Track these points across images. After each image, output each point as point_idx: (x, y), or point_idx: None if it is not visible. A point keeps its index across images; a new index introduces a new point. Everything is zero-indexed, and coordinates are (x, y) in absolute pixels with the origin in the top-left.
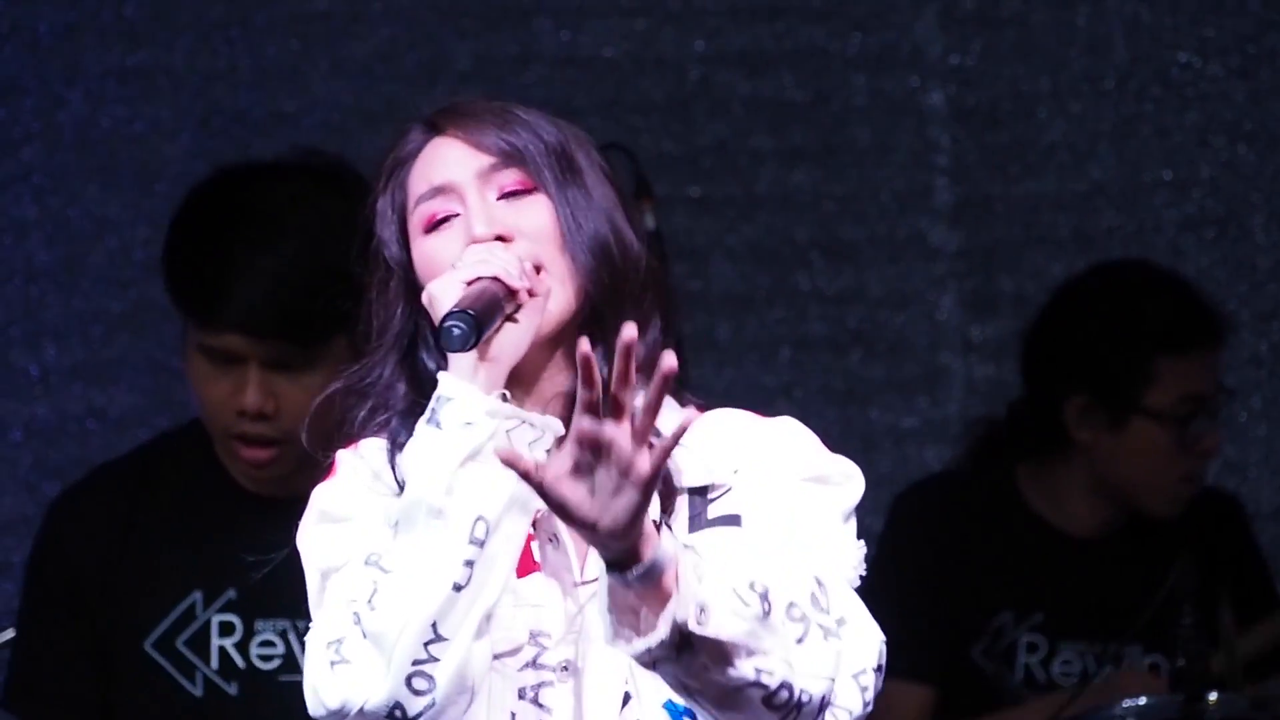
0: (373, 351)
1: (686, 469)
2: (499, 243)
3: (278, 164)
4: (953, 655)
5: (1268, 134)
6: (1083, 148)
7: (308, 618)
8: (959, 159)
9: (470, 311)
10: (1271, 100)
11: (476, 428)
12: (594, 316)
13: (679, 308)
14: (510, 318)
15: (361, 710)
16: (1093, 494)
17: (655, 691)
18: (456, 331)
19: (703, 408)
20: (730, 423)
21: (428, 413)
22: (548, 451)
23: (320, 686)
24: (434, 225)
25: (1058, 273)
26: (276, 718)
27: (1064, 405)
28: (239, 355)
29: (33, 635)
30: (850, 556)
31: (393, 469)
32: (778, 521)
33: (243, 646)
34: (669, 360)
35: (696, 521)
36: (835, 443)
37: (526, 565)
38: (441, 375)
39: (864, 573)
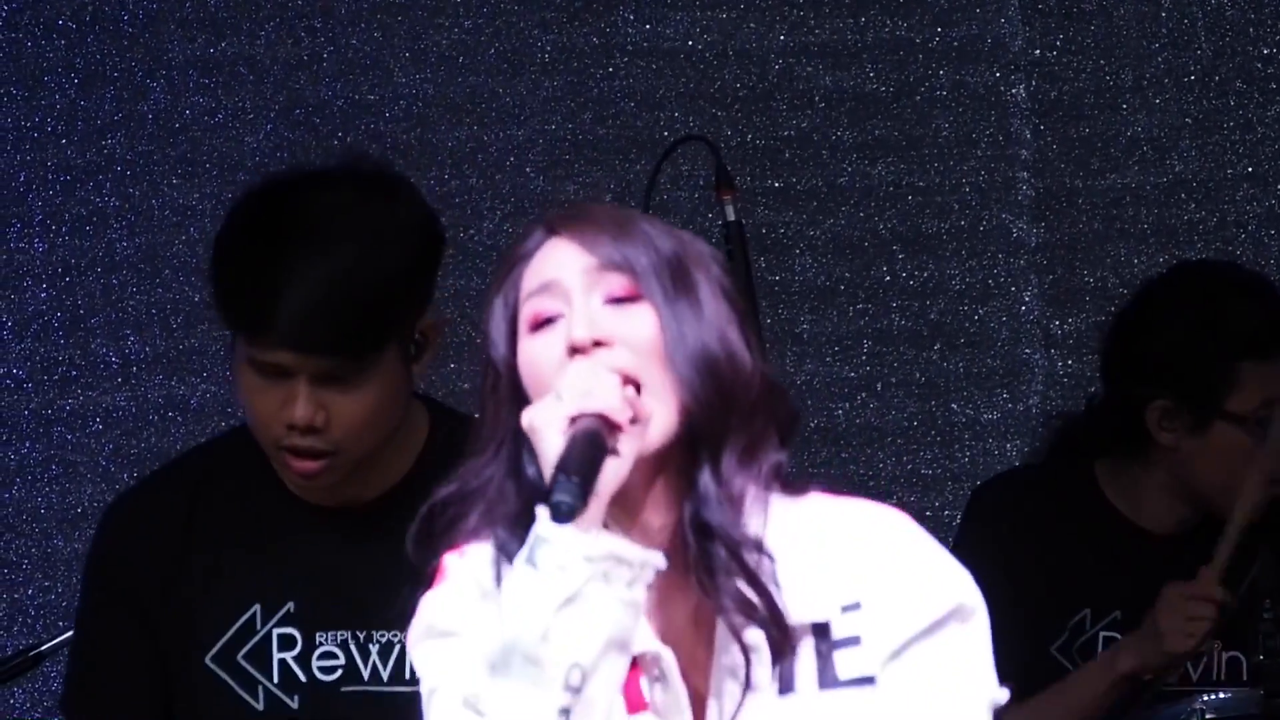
0: (480, 453)
1: (800, 598)
2: (599, 355)
3: (322, 172)
4: (1032, 652)
5: None
6: (1165, 141)
7: (369, 627)
8: (1041, 152)
9: (576, 479)
10: None
11: (573, 571)
12: (698, 435)
13: (796, 418)
14: (613, 450)
15: None
16: (1172, 496)
17: None
18: (565, 508)
19: (796, 490)
20: (839, 529)
21: (526, 549)
22: (648, 587)
23: None
24: (539, 325)
25: (1139, 267)
26: None
27: (1146, 409)
28: (288, 369)
29: (93, 642)
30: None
31: (497, 582)
32: (915, 694)
33: (303, 659)
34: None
35: (826, 675)
36: (915, 437)
37: (635, 701)
38: (540, 511)
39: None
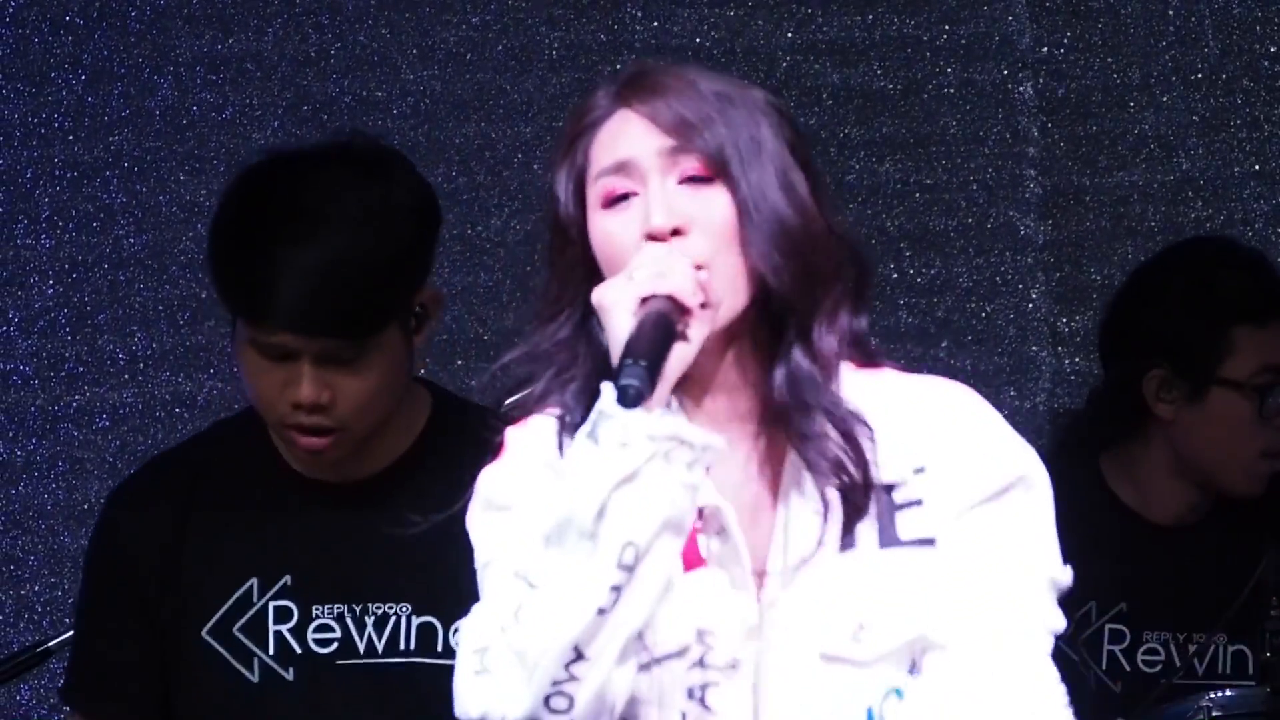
0: (548, 318)
1: (880, 458)
2: (675, 245)
3: (317, 152)
4: None
5: None
6: (1172, 139)
7: (365, 601)
8: (1048, 150)
9: (644, 363)
10: None
11: (633, 449)
12: (783, 309)
13: (870, 260)
14: (682, 335)
15: None
16: (1174, 475)
17: (849, 698)
18: (632, 392)
19: (871, 362)
20: (907, 399)
21: (589, 424)
22: (707, 470)
23: (463, 693)
24: (613, 201)
25: None
26: (334, 702)
27: (1143, 379)
28: (291, 351)
29: (93, 631)
30: (1043, 578)
31: (561, 453)
32: (974, 557)
33: (299, 632)
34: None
35: (887, 534)
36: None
37: (692, 560)
38: (605, 387)
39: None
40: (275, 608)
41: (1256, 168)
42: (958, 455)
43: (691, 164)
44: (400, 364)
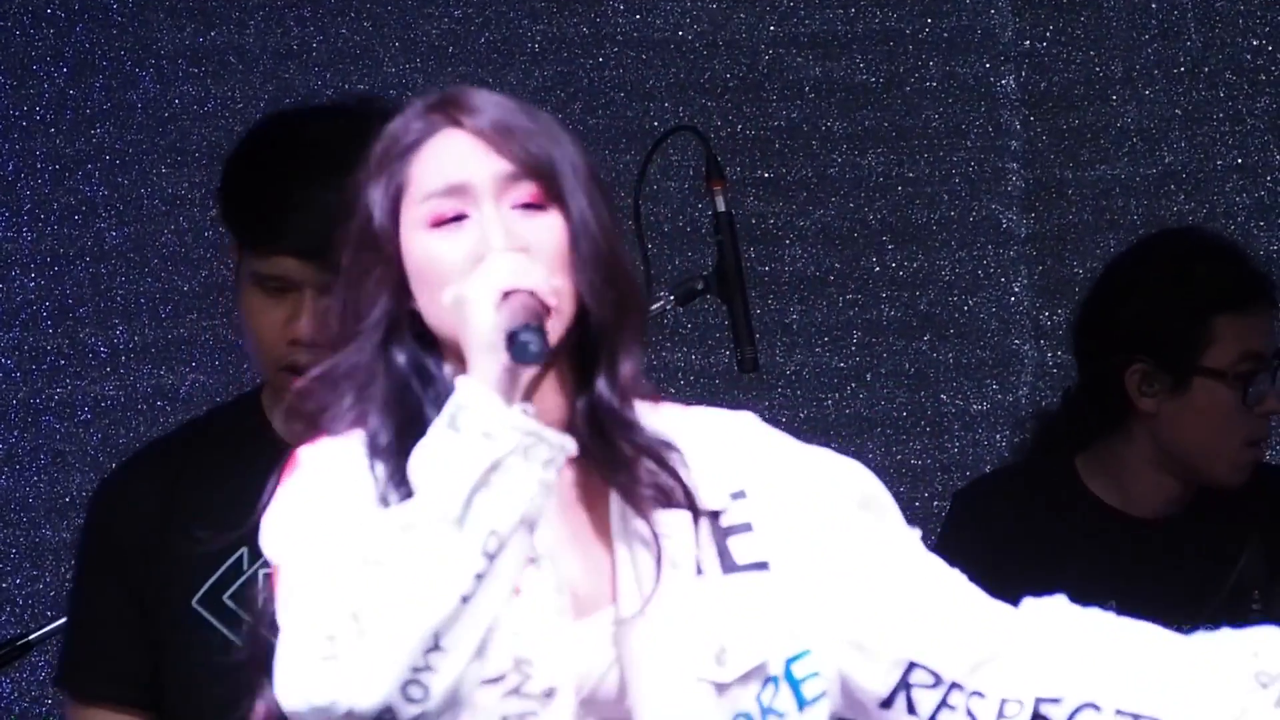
0: (347, 340)
1: (696, 485)
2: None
3: (334, 104)
4: None
5: None
6: (1154, 133)
7: None
8: (1031, 143)
9: (536, 326)
10: None
11: (497, 440)
12: (597, 337)
13: (644, 296)
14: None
15: (349, 711)
16: (1157, 469)
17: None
18: (534, 347)
19: (653, 397)
20: (705, 429)
21: (446, 416)
22: (558, 471)
23: (306, 683)
24: (441, 223)
25: None
26: None
27: (1124, 375)
28: (294, 282)
29: (85, 614)
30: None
31: (372, 472)
32: (810, 573)
33: None
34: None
35: (725, 560)
36: (905, 428)
37: None
38: (461, 379)
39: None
40: (265, 576)
41: (1239, 161)
42: (774, 475)
43: (527, 191)
44: None
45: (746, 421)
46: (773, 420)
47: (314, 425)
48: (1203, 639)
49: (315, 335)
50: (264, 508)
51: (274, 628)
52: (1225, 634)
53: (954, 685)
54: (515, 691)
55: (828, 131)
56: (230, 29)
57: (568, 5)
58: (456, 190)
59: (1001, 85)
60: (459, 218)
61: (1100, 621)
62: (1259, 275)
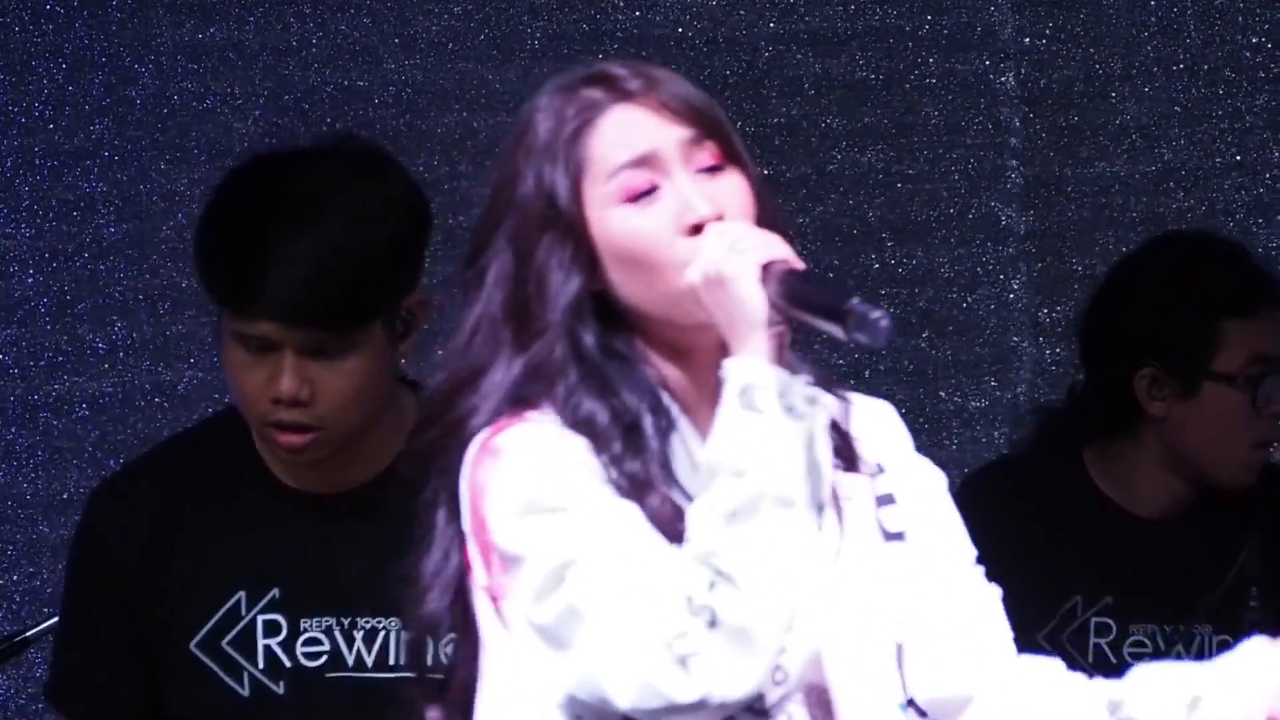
0: (542, 326)
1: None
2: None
3: (311, 149)
4: (1020, 641)
5: None
6: (1154, 130)
7: (354, 614)
8: (1030, 140)
9: (876, 305)
10: None
11: (801, 413)
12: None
13: None
14: None
15: (721, 703)
16: (1165, 471)
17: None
18: (885, 323)
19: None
20: (851, 400)
21: (737, 398)
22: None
23: (663, 681)
24: (636, 196)
25: None
26: (325, 715)
27: (1133, 380)
28: (274, 343)
29: (78, 631)
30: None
31: (598, 455)
32: (937, 549)
33: (288, 645)
34: None
35: (882, 529)
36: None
37: None
38: (733, 362)
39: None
40: (264, 621)
41: (1238, 158)
42: (903, 460)
43: (708, 153)
44: (382, 365)
45: (882, 403)
46: None
47: (513, 412)
48: None
49: (298, 393)
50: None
51: (473, 638)
52: None
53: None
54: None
55: (827, 128)
56: (230, 25)
57: (568, 2)
58: (645, 160)
59: (1001, 82)
60: (652, 189)
61: (1086, 692)
62: (1266, 278)
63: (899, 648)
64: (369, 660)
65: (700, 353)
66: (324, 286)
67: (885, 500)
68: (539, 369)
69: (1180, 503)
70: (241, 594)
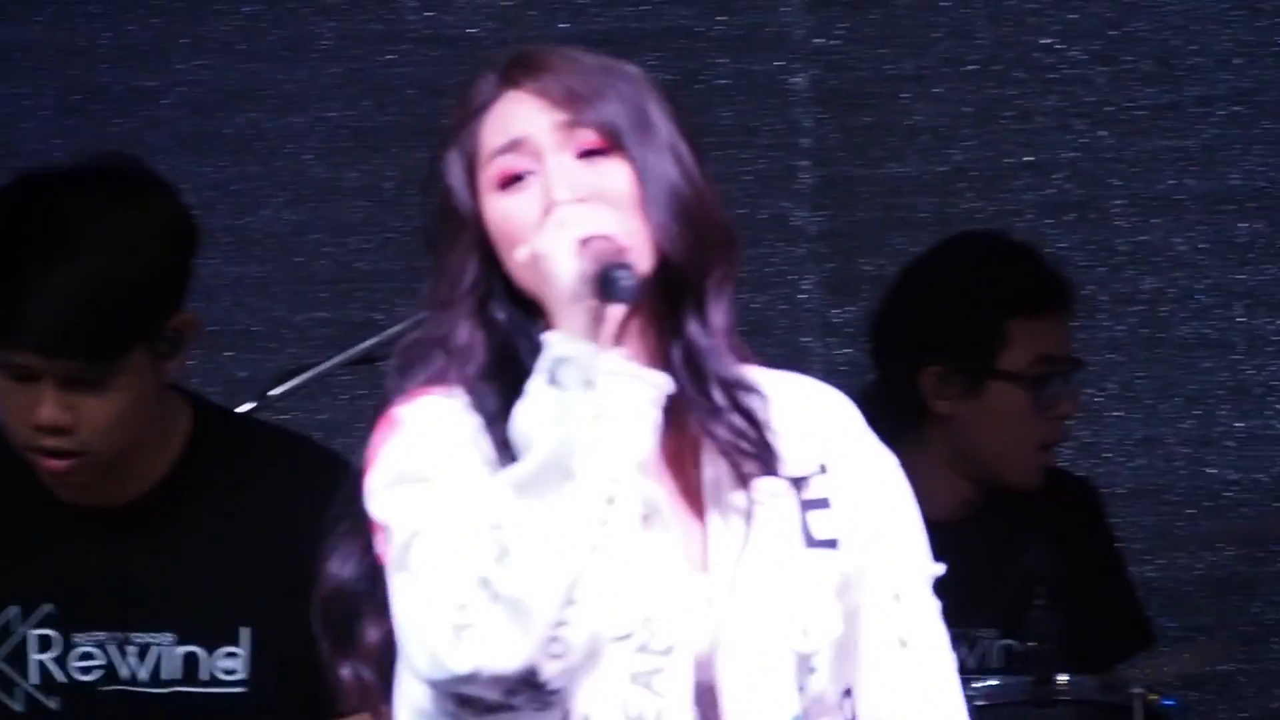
0: (442, 306)
1: (783, 453)
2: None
3: (72, 173)
4: None
5: (1128, 118)
6: (945, 130)
7: (128, 629)
8: (822, 140)
9: (627, 266)
10: (1132, 84)
11: (599, 387)
12: (679, 280)
13: (739, 239)
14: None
15: (494, 676)
16: (952, 471)
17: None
18: (625, 282)
19: (751, 361)
20: (797, 396)
21: (543, 373)
22: (660, 410)
23: (443, 652)
24: (508, 182)
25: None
26: None
27: (919, 377)
28: (34, 372)
29: None
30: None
31: (486, 433)
32: (875, 558)
33: (62, 660)
34: None
35: (805, 533)
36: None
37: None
38: (551, 335)
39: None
40: (37, 636)
41: (1029, 159)
42: (852, 454)
43: (587, 137)
44: (148, 389)
45: (834, 394)
46: None
47: (405, 383)
48: None
49: (58, 421)
50: (358, 469)
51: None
52: None
53: None
54: (643, 648)
55: None
56: (16, 25)
57: (359, 2)
58: (516, 145)
59: (793, 83)
60: (523, 175)
61: None
62: (1055, 278)
63: (801, 658)
64: (143, 675)
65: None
66: (80, 319)
67: (816, 504)
68: (448, 350)
69: (968, 504)
70: (14, 610)
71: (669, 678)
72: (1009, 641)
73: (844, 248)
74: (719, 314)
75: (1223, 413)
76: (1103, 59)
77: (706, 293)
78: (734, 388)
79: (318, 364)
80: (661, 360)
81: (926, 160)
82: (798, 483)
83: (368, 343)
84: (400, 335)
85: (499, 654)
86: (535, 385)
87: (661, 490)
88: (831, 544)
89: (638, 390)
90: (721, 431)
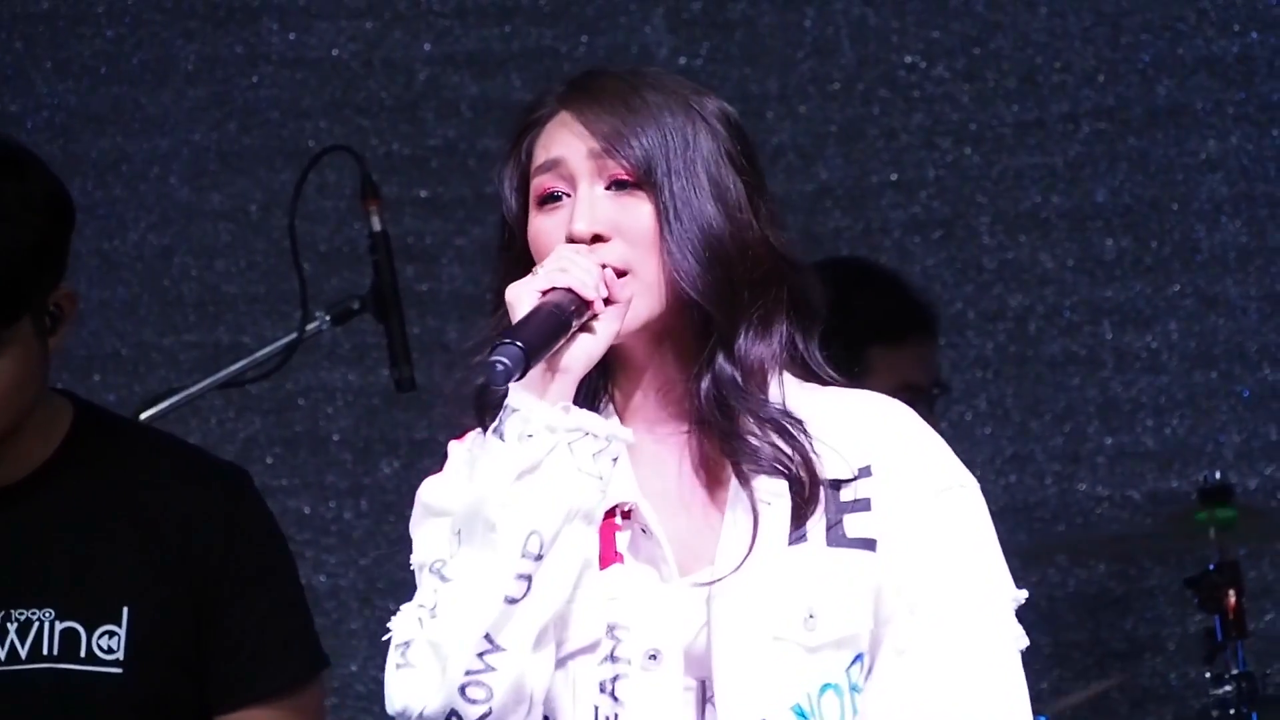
0: (492, 314)
1: (822, 456)
2: (586, 246)
3: None
4: None
5: (993, 136)
6: (810, 150)
7: (6, 606)
8: None
9: (520, 343)
10: (996, 102)
11: (535, 441)
12: (707, 318)
13: (807, 275)
14: (585, 328)
15: (420, 716)
16: None
17: (795, 679)
18: (500, 367)
19: (814, 379)
20: (849, 405)
21: (495, 422)
22: (614, 460)
23: (388, 687)
24: (545, 200)
25: None
26: None
27: None
28: None
29: None
30: (1000, 578)
31: None
32: (924, 563)
33: None
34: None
35: (834, 532)
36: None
37: (608, 557)
38: (513, 386)
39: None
40: None
41: (894, 177)
42: (903, 460)
43: (617, 169)
44: (35, 361)
45: (896, 405)
46: (431, 442)
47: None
48: None
49: None
50: None
51: None
52: None
53: None
54: (610, 657)
55: (484, 150)
56: None
57: (222, 25)
58: (554, 165)
59: None
60: (559, 196)
61: None
62: (918, 306)
63: (806, 650)
64: (23, 652)
65: (633, 365)
66: None
67: (856, 506)
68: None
69: None
70: None
71: (635, 684)
72: None
73: None
74: (757, 346)
75: (1092, 429)
76: (967, 77)
77: (737, 329)
78: (760, 416)
79: (187, 387)
80: (691, 390)
81: (792, 179)
82: (837, 485)
83: (236, 365)
84: (268, 358)
85: (420, 695)
86: (488, 435)
87: (648, 503)
88: (869, 544)
89: (582, 444)
90: (738, 449)
